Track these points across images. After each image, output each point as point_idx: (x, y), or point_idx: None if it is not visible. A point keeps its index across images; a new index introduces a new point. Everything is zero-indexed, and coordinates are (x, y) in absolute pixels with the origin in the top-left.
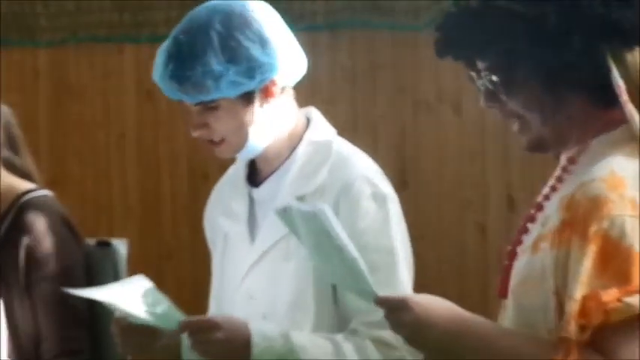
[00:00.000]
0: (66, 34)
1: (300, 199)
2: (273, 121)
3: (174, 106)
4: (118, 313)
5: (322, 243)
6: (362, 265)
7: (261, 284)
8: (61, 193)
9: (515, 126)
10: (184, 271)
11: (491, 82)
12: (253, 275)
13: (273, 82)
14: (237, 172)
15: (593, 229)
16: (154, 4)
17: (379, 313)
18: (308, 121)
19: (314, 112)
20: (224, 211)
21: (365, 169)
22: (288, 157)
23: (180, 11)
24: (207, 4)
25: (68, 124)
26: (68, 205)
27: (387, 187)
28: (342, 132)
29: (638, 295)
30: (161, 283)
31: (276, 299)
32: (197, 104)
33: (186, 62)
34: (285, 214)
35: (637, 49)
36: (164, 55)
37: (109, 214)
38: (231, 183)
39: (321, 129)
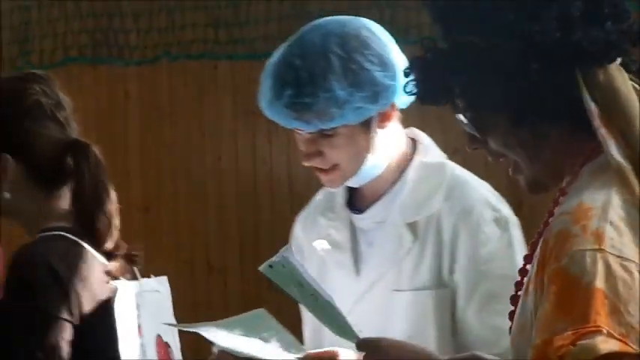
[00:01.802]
0: (157, 51)
1: (411, 225)
2: (387, 146)
3: (272, 126)
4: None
5: (301, 289)
6: (337, 306)
7: (370, 317)
8: (153, 219)
9: (510, 170)
10: (286, 305)
11: (466, 122)
12: (361, 307)
13: (393, 106)
14: (331, 197)
15: (552, 267)
16: (250, 19)
17: (502, 344)
18: (413, 142)
19: (419, 133)
20: (321, 239)
21: (484, 193)
22: (396, 182)
23: (279, 26)
24: (315, 26)
25: (160, 146)
26: (161, 231)
27: (508, 211)
28: (452, 154)
29: (595, 335)
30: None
31: (387, 332)
32: (312, 132)
33: (306, 89)
34: (271, 270)
35: (612, 66)
36: (275, 81)
37: (204, 241)
38: (325, 209)
39: (431, 151)
